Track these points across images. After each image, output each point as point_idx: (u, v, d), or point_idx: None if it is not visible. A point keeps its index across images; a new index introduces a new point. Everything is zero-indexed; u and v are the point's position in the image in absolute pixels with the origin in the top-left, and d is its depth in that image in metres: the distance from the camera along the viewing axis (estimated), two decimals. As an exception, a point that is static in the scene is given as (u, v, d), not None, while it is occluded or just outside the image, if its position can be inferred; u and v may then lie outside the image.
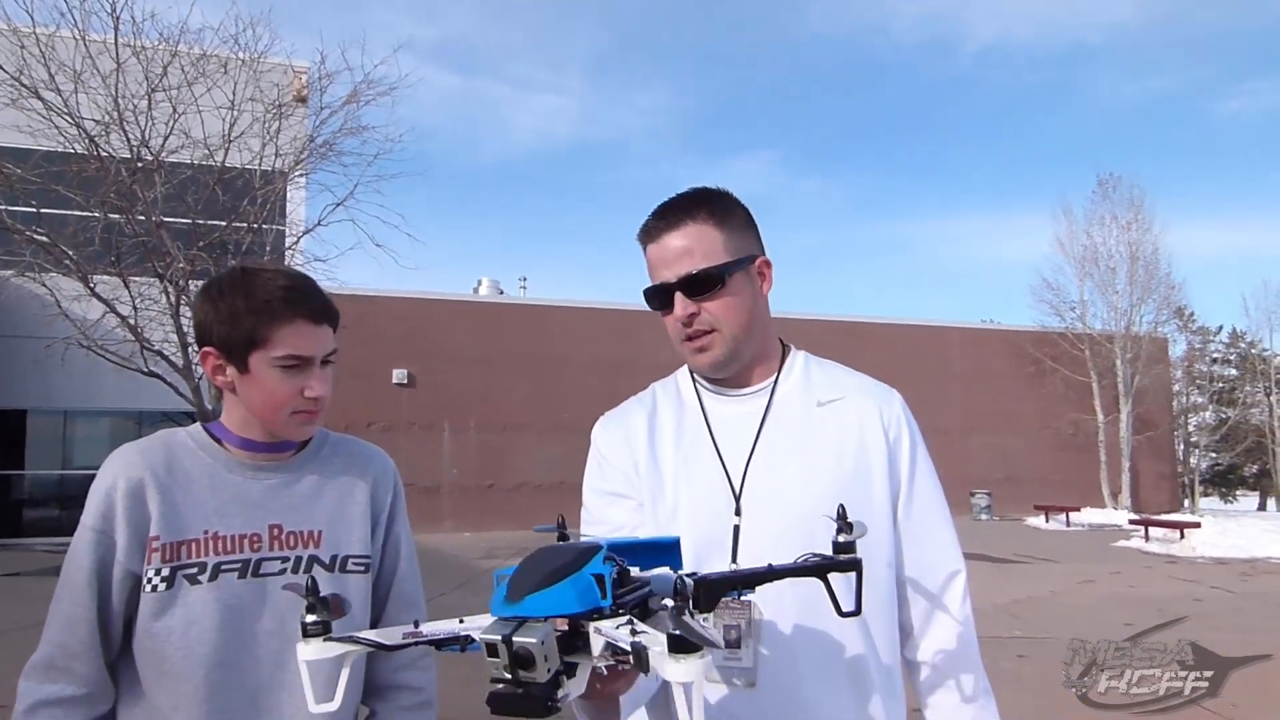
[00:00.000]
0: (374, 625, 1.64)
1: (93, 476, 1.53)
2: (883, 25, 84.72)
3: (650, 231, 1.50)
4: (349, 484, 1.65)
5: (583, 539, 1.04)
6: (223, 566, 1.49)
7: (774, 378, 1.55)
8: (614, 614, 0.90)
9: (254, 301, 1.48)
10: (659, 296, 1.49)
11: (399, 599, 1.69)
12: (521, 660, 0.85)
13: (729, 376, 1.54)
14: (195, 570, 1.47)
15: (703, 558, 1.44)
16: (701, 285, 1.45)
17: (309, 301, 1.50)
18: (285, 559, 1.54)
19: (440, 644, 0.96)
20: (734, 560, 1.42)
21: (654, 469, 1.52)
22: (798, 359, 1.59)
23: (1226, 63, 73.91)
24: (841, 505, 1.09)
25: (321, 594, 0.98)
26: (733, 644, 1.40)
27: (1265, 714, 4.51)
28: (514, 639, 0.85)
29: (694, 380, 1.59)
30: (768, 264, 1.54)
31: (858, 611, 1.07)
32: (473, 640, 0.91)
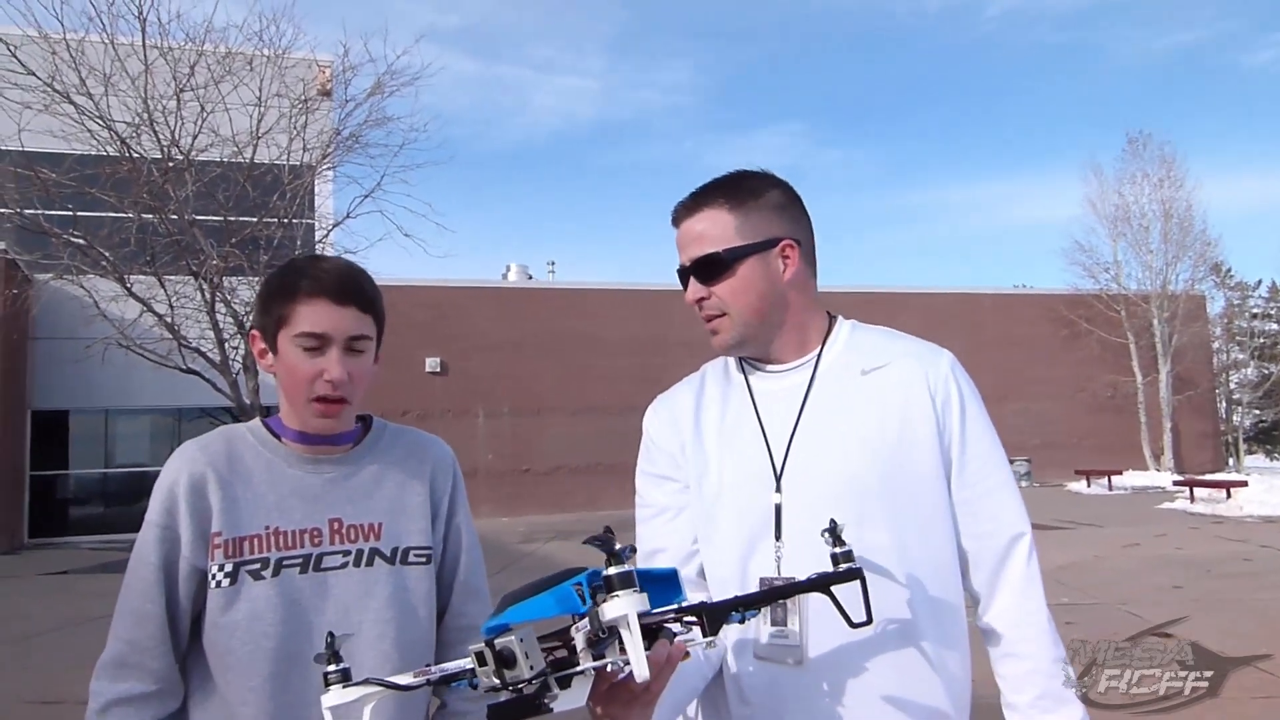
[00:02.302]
0: (440, 617, 1.65)
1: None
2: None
3: (676, 215, 1.54)
4: (408, 474, 1.65)
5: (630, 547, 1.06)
6: (284, 561, 1.50)
7: (818, 350, 1.53)
8: None
9: (283, 283, 1.52)
10: (681, 279, 1.54)
11: (464, 589, 1.68)
12: (504, 660, 0.91)
13: (759, 355, 1.54)
14: (258, 565, 1.48)
15: (748, 537, 1.44)
16: (710, 270, 1.47)
17: (333, 280, 1.50)
18: (346, 552, 1.54)
19: (452, 680, 0.99)
20: (778, 538, 1.41)
21: (699, 449, 1.52)
22: (843, 329, 1.57)
23: (1254, 14, 72.15)
24: (833, 519, 1.09)
25: (336, 647, 1.03)
26: (779, 621, 1.40)
27: (1265, 714, 4.47)
28: (495, 641, 0.92)
29: (740, 358, 1.59)
30: (792, 247, 1.51)
31: (868, 621, 1.07)
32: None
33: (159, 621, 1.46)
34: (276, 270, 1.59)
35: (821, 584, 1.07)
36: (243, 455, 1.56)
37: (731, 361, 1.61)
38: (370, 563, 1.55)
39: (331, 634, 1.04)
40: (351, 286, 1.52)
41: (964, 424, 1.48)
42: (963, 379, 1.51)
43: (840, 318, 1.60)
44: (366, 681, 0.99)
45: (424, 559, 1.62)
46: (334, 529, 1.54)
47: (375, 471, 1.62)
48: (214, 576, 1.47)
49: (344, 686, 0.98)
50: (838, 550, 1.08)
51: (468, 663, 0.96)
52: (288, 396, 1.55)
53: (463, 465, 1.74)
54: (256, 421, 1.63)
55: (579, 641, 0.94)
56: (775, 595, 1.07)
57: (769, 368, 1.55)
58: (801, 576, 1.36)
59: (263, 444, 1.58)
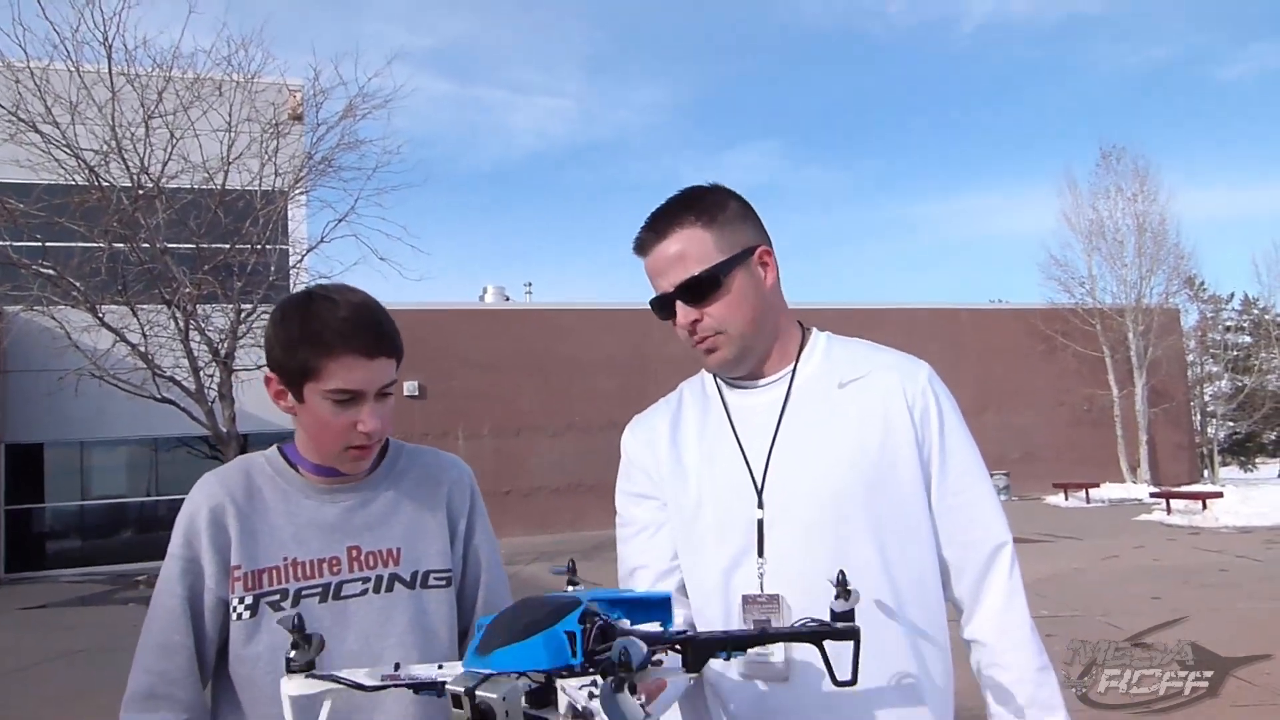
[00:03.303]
0: (462, 637, 1.62)
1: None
2: (879, 9, 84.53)
3: (642, 244, 1.48)
4: (425, 497, 1.63)
5: (570, 591, 1.03)
6: (303, 592, 1.49)
7: (793, 364, 1.52)
8: (584, 672, 0.88)
9: (307, 331, 1.44)
10: (662, 307, 1.48)
11: (487, 608, 1.65)
12: (483, 714, 0.84)
13: (749, 369, 1.52)
14: (277, 597, 1.48)
15: (730, 554, 1.42)
16: (699, 290, 1.43)
17: (362, 334, 1.44)
18: (366, 579, 1.53)
19: (417, 688, 0.97)
20: (760, 554, 1.40)
21: (677, 467, 1.51)
22: (819, 341, 1.56)
23: (1228, 27, 73.50)
24: (841, 571, 1.05)
25: (306, 631, 1.00)
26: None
27: (1265, 714, 4.49)
28: (477, 693, 0.84)
29: (715, 376, 1.57)
30: (768, 252, 1.51)
31: (853, 682, 1.03)
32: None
33: (187, 653, 1.47)
34: (291, 307, 1.49)
35: (816, 637, 1.03)
36: (261, 487, 1.55)
37: (708, 379, 1.59)
38: (390, 588, 1.54)
39: (300, 615, 1.03)
40: (380, 337, 1.47)
41: (943, 434, 1.48)
42: (941, 390, 1.51)
43: (815, 329, 1.59)
44: (331, 677, 0.97)
45: (444, 582, 1.60)
46: (352, 557, 1.54)
47: (392, 496, 1.60)
48: (235, 609, 1.48)
49: (306, 676, 0.96)
50: (838, 607, 1.03)
51: (436, 673, 0.95)
52: (317, 446, 1.53)
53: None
54: (274, 450, 1.61)
55: (561, 703, 0.88)
56: (766, 639, 1.02)
57: (745, 383, 1.53)
58: (784, 593, 1.35)
59: (279, 474, 1.57)
